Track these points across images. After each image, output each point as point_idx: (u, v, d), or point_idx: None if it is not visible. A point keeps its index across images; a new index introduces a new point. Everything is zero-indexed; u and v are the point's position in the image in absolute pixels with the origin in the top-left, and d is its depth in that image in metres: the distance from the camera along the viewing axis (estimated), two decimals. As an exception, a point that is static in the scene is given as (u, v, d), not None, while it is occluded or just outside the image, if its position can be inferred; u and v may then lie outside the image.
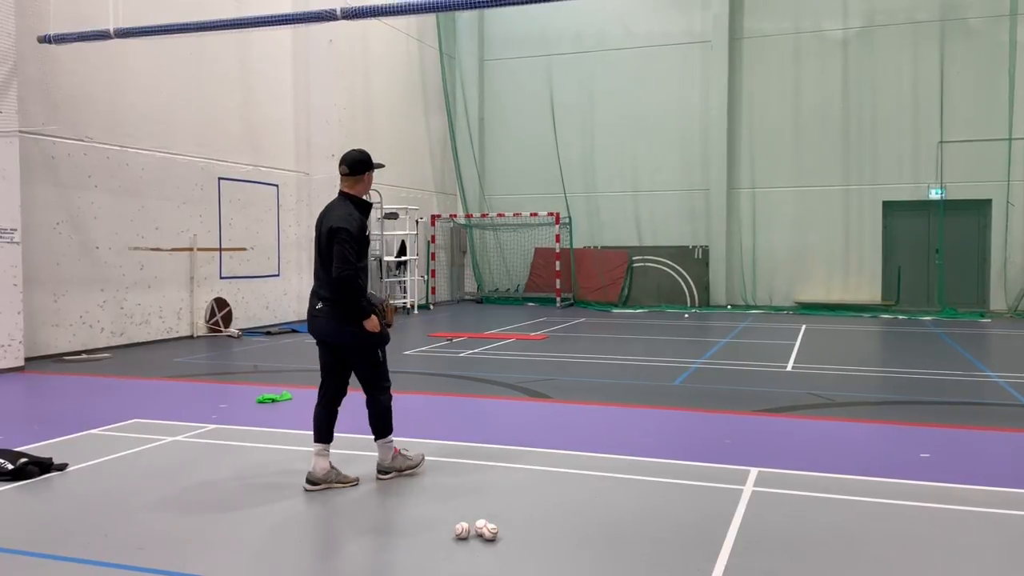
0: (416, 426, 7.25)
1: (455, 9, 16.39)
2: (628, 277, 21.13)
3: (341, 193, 5.25)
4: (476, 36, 22.57)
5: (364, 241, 5.10)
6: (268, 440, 6.41)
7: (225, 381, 9.60)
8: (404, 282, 19.40)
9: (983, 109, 18.42)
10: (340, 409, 5.31)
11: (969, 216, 18.94)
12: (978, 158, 18.52)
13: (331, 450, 5.22)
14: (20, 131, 10.40)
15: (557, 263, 20.94)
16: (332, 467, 5.16)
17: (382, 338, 5.16)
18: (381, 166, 5.43)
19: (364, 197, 5.29)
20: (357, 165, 5.18)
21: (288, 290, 16.11)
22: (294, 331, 14.67)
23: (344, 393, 5.32)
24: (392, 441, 5.30)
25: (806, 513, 4.68)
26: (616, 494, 5.05)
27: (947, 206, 18.90)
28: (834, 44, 19.62)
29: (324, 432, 5.19)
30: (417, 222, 19.97)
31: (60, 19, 11.01)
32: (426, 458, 5.60)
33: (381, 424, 5.25)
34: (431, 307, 20.49)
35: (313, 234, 5.96)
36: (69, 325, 11.58)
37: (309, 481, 5.09)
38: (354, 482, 5.18)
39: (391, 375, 5.36)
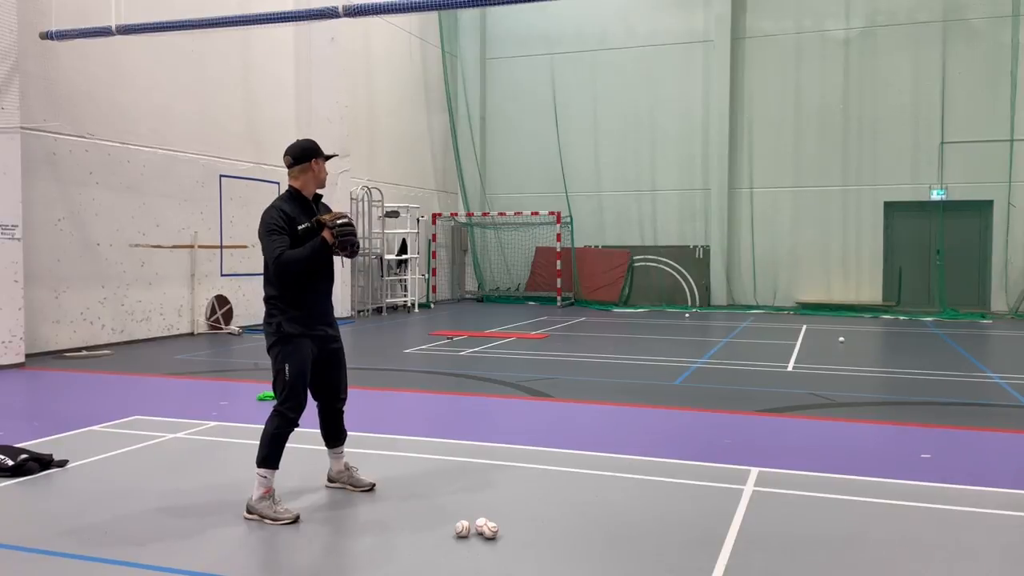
0: (417, 425, 7.25)
1: (457, 7, 16.39)
2: (629, 276, 21.13)
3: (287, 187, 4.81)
4: (478, 34, 22.57)
5: (295, 233, 4.57)
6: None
7: (226, 378, 9.60)
8: (405, 280, 19.40)
9: (985, 110, 18.41)
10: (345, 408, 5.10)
11: (970, 217, 18.93)
12: (980, 159, 18.52)
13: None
14: (22, 127, 10.40)
15: (558, 262, 20.94)
16: (347, 468, 5.07)
17: (287, 355, 4.58)
18: (332, 156, 4.92)
19: (318, 190, 4.85)
20: (302, 153, 4.72)
21: (289, 288, 16.07)
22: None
23: (335, 401, 4.93)
24: (267, 477, 4.53)
25: (806, 513, 4.67)
26: (616, 493, 5.05)
27: (948, 207, 18.90)
28: (836, 44, 19.61)
29: (325, 437, 5.04)
30: (418, 220, 19.97)
31: (62, 15, 11.00)
32: (430, 456, 5.60)
33: (260, 446, 4.57)
34: (432, 306, 20.49)
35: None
36: (70, 322, 11.58)
37: (328, 479, 5.12)
38: (368, 487, 5.03)
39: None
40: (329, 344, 4.81)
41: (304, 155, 4.73)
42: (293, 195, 4.76)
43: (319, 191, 4.92)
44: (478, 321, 16.54)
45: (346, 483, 5.06)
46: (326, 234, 4.53)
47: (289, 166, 4.75)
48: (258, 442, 4.60)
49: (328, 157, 4.85)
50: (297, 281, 4.61)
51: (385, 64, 19.50)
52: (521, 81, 22.40)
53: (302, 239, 4.58)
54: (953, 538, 4.31)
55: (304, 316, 4.65)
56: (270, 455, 4.55)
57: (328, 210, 4.89)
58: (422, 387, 9.04)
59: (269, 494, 4.52)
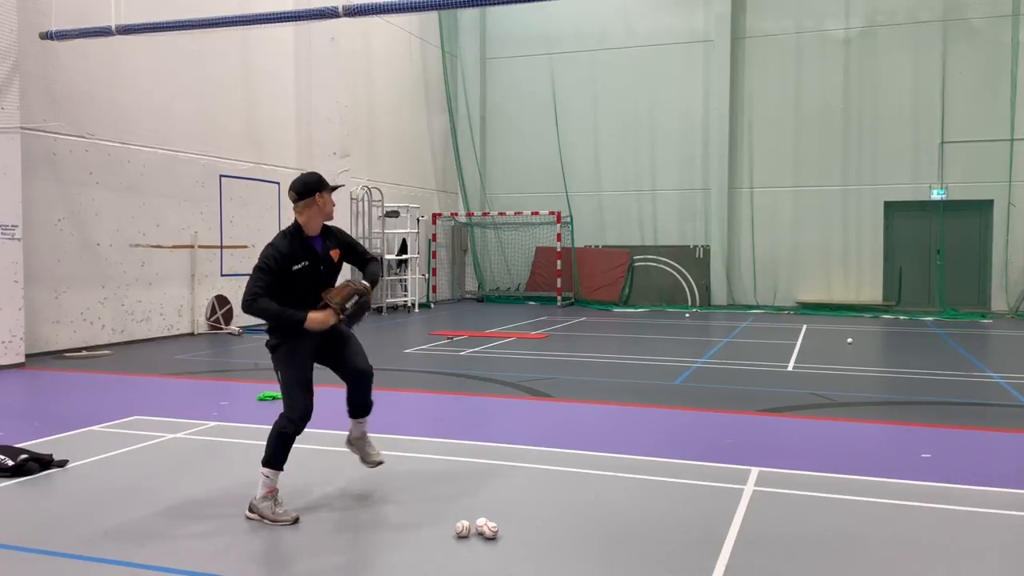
0: (417, 425, 7.25)
1: (457, 7, 16.40)
2: (629, 276, 21.12)
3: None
4: (478, 34, 22.56)
5: (288, 273, 4.56)
6: (268, 438, 6.40)
7: (226, 379, 9.59)
8: (405, 280, 19.39)
9: (985, 110, 18.40)
10: (330, 407, 5.10)
11: (970, 217, 18.93)
12: (980, 159, 18.51)
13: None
14: (22, 127, 10.40)
15: (558, 262, 20.94)
16: (363, 436, 5.04)
17: (280, 361, 4.63)
18: (337, 187, 4.91)
19: (327, 223, 4.79)
20: (305, 189, 4.65)
21: (289, 288, 16.06)
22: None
23: (353, 377, 4.86)
24: (271, 477, 4.53)
25: (807, 513, 4.67)
26: (617, 493, 5.05)
27: (948, 207, 18.89)
28: (836, 44, 19.61)
29: (348, 406, 5.00)
30: (418, 220, 19.97)
31: (62, 15, 11.00)
32: (430, 456, 5.61)
33: (266, 446, 4.58)
34: (432, 305, 20.48)
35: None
36: (70, 322, 11.58)
37: (348, 441, 5.09)
38: (374, 464, 5.06)
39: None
40: (325, 332, 4.71)
41: (307, 190, 4.65)
42: (295, 231, 4.69)
43: (327, 222, 4.82)
44: (478, 321, 16.54)
45: (358, 451, 5.06)
46: (330, 317, 4.54)
47: (294, 201, 4.68)
48: (263, 442, 4.62)
49: (333, 188, 4.79)
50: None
51: (385, 64, 19.50)
52: (521, 81, 22.39)
53: (295, 277, 4.57)
54: (954, 538, 4.30)
55: (292, 328, 4.61)
56: (274, 456, 4.56)
57: (336, 241, 4.80)
58: (422, 387, 9.03)
59: (272, 494, 4.53)
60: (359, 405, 4.96)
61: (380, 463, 5.08)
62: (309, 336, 4.63)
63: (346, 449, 5.13)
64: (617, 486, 5.19)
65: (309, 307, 4.60)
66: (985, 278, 18.83)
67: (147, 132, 12.80)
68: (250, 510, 4.56)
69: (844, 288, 19.81)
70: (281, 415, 4.61)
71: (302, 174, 4.82)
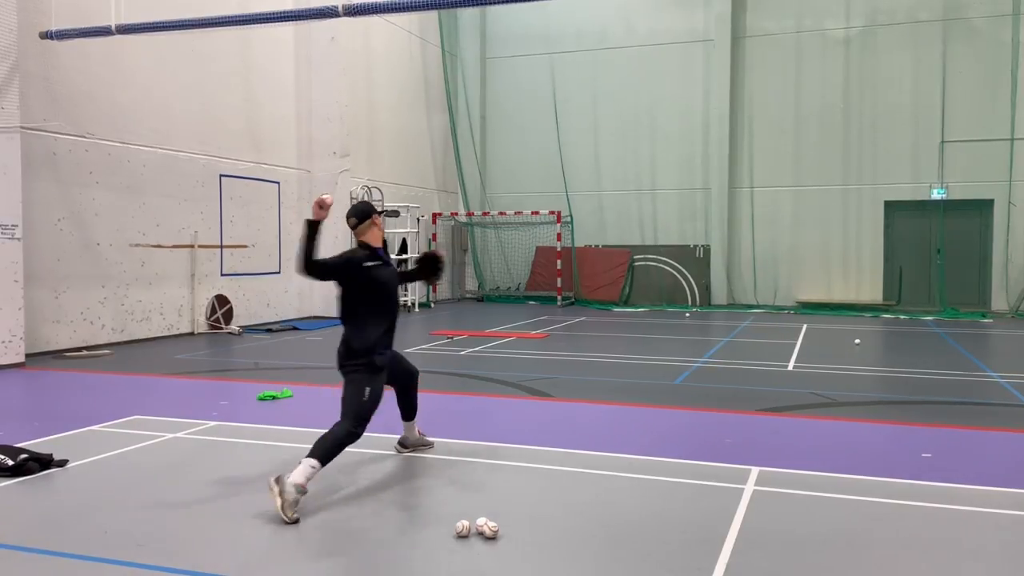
0: (417, 424, 7.24)
1: (457, 6, 16.40)
2: (629, 276, 21.12)
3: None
4: (478, 34, 22.56)
5: (362, 271, 5.28)
6: (269, 437, 6.41)
7: (226, 378, 9.59)
8: (405, 280, 19.37)
9: (985, 109, 18.40)
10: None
11: (971, 216, 18.92)
12: (980, 158, 18.51)
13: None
14: (21, 127, 10.39)
15: (558, 261, 20.93)
16: (420, 434, 6.03)
17: (368, 380, 5.15)
18: (384, 212, 5.84)
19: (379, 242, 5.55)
20: (363, 214, 5.46)
21: (289, 287, 16.10)
22: (295, 328, 14.67)
23: (406, 379, 5.80)
24: (316, 469, 4.71)
25: (807, 513, 4.67)
26: (617, 493, 5.05)
27: (949, 206, 18.89)
28: (836, 43, 19.61)
29: (402, 411, 5.90)
30: (418, 220, 19.97)
31: (62, 15, 11.00)
32: (430, 456, 5.65)
33: (322, 444, 4.84)
34: (432, 305, 20.48)
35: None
36: (70, 321, 11.58)
37: (401, 444, 6.02)
38: (430, 445, 6.03)
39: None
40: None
41: (364, 215, 5.45)
42: (359, 245, 5.45)
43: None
44: (478, 321, 16.54)
45: (420, 445, 5.98)
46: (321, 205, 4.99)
47: (355, 227, 5.41)
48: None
49: (380, 212, 5.55)
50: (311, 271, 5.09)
51: (385, 63, 19.50)
52: (521, 80, 22.39)
53: (371, 275, 5.29)
54: (954, 537, 4.30)
55: (376, 345, 5.25)
56: (329, 456, 4.84)
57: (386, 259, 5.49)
58: (422, 387, 8.97)
59: (304, 489, 4.57)
60: (411, 406, 5.86)
61: (433, 444, 6.05)
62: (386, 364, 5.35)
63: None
64: (617, 486, 5.19)
65: (388, 316, 5.36)
66: (985, 278, 18.83)
67: (147, 132, 12.80)
68: (276, 481, 4.52)
69: (844, 288, 19.81)
70: (346, 428, 4.93)
71: (353, 205, 5.54)
